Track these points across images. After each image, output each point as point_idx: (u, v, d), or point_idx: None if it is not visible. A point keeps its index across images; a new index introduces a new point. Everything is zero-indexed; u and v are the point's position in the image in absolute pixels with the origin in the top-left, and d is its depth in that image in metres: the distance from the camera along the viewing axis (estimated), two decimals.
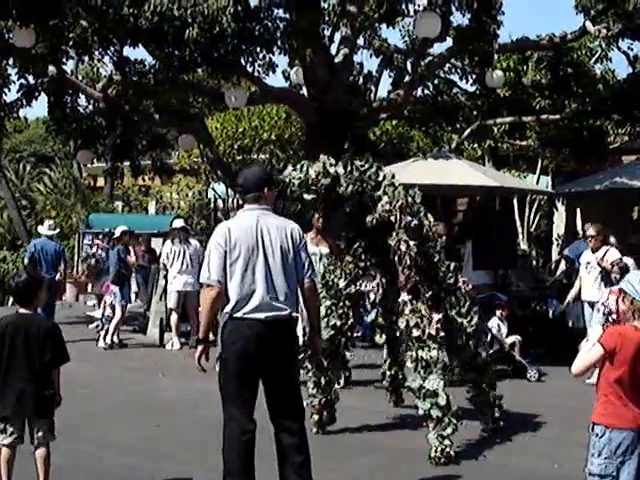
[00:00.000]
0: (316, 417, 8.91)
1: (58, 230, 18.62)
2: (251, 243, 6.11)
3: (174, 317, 15.51)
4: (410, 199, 8.51)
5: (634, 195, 18.80)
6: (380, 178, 8.63)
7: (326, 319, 9.04)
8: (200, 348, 6.19)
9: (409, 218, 8.38)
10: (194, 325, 15.66)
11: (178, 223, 16.18)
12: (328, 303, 9.11)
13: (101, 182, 34.51)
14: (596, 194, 18.32)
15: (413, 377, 8.24)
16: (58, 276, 16.21)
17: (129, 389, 11.57)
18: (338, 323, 9.12)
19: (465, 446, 8.32)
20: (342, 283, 9.13)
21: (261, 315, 6.03)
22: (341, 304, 9.15)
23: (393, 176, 8.68)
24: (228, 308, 6.08)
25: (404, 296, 8.37)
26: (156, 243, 19.66)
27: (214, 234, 6.25)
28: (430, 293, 8.36)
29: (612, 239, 15.65)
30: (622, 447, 5.00)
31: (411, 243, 8.32)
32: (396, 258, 8.41)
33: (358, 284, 9.19)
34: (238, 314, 6.04)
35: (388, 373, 10.31)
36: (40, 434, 6.21)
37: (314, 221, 11.75)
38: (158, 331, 16.07)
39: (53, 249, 16.48)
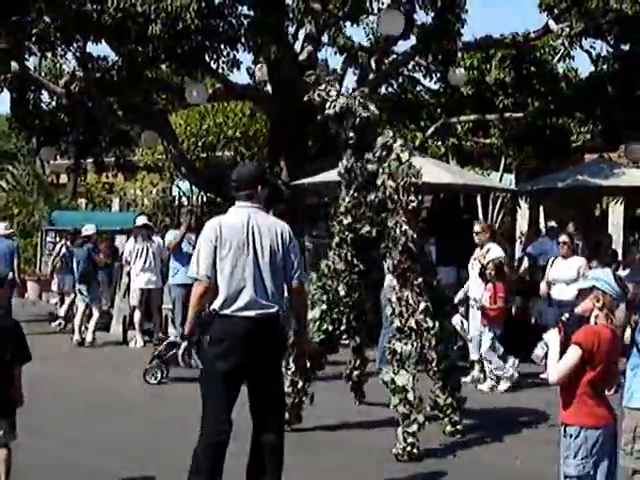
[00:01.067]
0: (286, 416, 8.87)
1: (12, 231, 18.57)
2: (241, 240, 6.05)
3: (137, 315, 15.43)
4: (414, 179, 8.48)
5: (596, 193, 18.93)
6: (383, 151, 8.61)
7: (318, 323, 9.01)
8: (184, 344, 6.12)
9: (411, 198, 8.39)
10: (157, 323, 15.61)
11: (141, 220, 16.08)
12: (324, 307, 9.05)
13: (64, 179, 34.16)
14: (559, 192, 18.41)
15: (387, 369, 8.27)
16: (11, 274, 16.05)
17: (93, 387, 11.46)
18: (330, 328, 9.08)
19: (429, 443, 8.33)
20: (342, 291, 9.10)
21: (251, 313, 5.98)
22: (336, 310, 9.12)
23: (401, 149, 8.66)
24: (216, 305, 6.01)
25: (392, 281, 8.37)
26: (120, 240, 19.55)
27: (205, 229, 6.18)
28: (418, 281, 8.39)
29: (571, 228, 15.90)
30: (597, 445, 5.02)
31: (406, 227, 8.34)
32: (390, 243, 8.43)
33: (357, 292, 9.19)
34: (226, 311, 5.97)
35: (355, 373, 10.28)
36: (0, 433, 6.14)
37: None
38: (121, 329, 15.99)
39: (6, 247, 16.43)
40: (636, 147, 18.47)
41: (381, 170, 8.57)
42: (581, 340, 5.05)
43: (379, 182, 8.57)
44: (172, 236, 14.74)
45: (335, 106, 8.82)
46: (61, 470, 7.53)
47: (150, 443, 8.48)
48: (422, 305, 8.34)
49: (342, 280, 9.05)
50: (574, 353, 5.04)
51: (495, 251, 12.15)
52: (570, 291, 11.21)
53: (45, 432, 8.75)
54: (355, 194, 8.86)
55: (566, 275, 12.33)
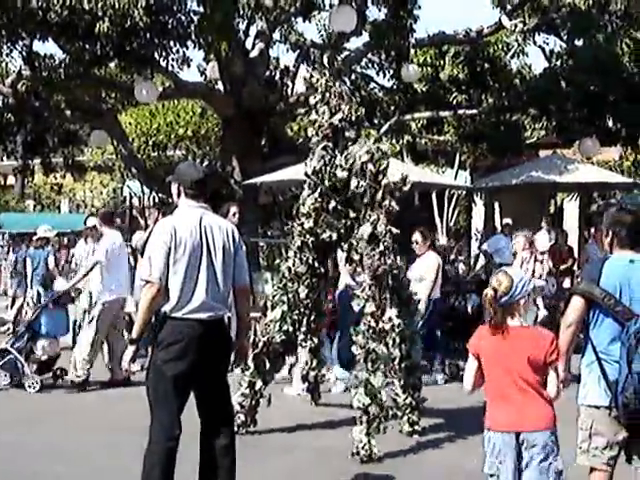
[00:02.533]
0: (242, 418, 8.70)
1: None
2: (196, 242, 5.92)
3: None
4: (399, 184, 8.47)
5: (550, 188, 18.92)
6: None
7: (279, 324, 8.92)
8: (132, 349, 5.94)
9: (393, 202, 8.37)
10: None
11: (91, 222, 15.72)
12: (284, 308, 8.98)
13: (11, 180, 33.76)
14: (513, 188, 18.39)
15: (361, 367, 8.14)
16: None
17: (43, 390, 11.19)
18: (290, 329, 9.01)
19: (388, 443, 8.16)
20: (302, 292, 8.96)
21: (203, 315, 5.86)
22: (297, 311, 9.03)
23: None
24: (167, 307, 5.84)
25: (366, 278, 8.26)
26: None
27: (158, 231, 6.00)
28: (391, 282, 8.31)
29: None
30: (497, 448, 4.99)
31: (390, 227, 8.32)
32: (364, 243, 8.32)
33: (316, 293, 9.11)
34: (178, 314, 5.83)
35: (312, 374, 10.11)
36: None
37: (230, 216, 11.31)
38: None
39: None
40: (590, 143, 18.48)
41: (358, 170, 8.45)
42: (469, 344, 5.18)
43: (354, 183, 8.46)
44: (140, 237, 14.40)
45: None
46: (8, 475, 7.34)
47: (101, 448, 8.23)
48: (394, 305, 8.27)
49: (303, 282, 8.97)
50: (469, 359, 5.19)
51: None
52: (420, 288, 11.05)
53: None
54: (319, 198, 8.72)
55: (416, 273, 12.05)
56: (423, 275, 11.64)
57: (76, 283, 12.11)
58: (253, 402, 8.87)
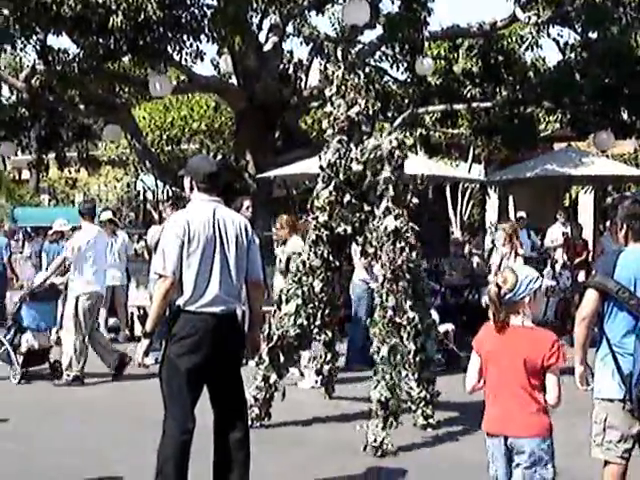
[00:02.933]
0: (257, 411, 8.71)
1: None
2: (209, 235, 5.92)
3: (102, 312, 15.12)
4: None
5: (565, 182, 18.85)
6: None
7: (294, 317, 8.92)
8: (146, 342, 5.96)
9: (414, 199, 8.50)
10: (123, 320, 15.35)
11: (106, 215, 15.77)
12: (299, 302, 8.96)
13: (26, 175, 33.82)
14: (527, 181, 18.33)
15: (382, 361, 8.10)
16: None
17: (56, 386, 11.23)
18: (305, 323, 8.99)
19: (401, 438, 8.15)
20: (317, 286, 8.95)
21: (216, 309, 5.86)
22: (311, 305, 9.01)
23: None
24: (180, 301, 5.86)
25: (386, 273, 8.26)
26: None
27: (172, 225, 6.01)
28: (407, 275, 8.32)
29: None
30: (490, 451, 4.95)
31: (412, 224, 8.39)
32: (384, 236, 8.32)
33: (333, 288, 9.14)
34: (191, 307, 5.84)
35: (326, 367, 10.11)
36: None
37: (243, 210, 11.29)
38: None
39: None
40: (605, 136, 18.40)
41: (386, 157, 8.44)
42: (474, 341, 5.06)
43: (369, 176, 8.47)
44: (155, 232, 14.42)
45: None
46: (27, 470, 7.36)
47: (117, 442, 8.25)
48: (409, 298, 8.30)
49: (318, 276, 8.96)
50: (472, 356, 5.08)
51: (293, 245, 11.53)
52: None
53: (10, 433, 8.62)
54: (333, 191, 8.72)
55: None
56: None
57: (47, 279, 12.02)
58: (267, 396, 8.88)
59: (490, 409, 4.92)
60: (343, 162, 8.69)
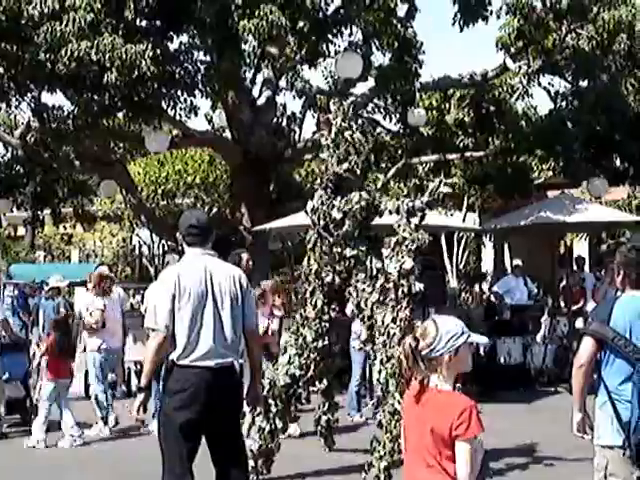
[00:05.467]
0: (252, 463, 8.63)
1: None
2: (201, 289, 5.92)
3: None
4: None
5: (559, 228, 18.90)
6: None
7: (287, 367, 8.90)
8: (141, 397, 5.96)
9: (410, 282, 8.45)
10: (120, 375, 15.26)
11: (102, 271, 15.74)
12: (293, 352, 8.96)
13: (22, 231, 33.84)
14: (522, 229, 18.37)
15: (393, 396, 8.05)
16: None
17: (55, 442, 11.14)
18: (297, 373, 8.99)
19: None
20: (309, 336, 8.94)
21: (210, 362, 5.85)
22: (305, 355, 8.99)
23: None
24: (174, 355, 5.85)
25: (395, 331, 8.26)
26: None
27: (163, 279, 6.07)
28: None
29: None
30: None
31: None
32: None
33: (326, 338, 9.06)
34: (185, 361, 5.83)
35: (324, 418, 10.06)
36: None
37: (243, 263, 11.35)
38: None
39: None
40: (598, 183, 18.50)
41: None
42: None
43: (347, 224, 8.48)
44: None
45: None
46: None
47: None
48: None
49: (311, 327, 8.93)
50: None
51: None
52: None
53: None
54: (316, 236, 8.78)
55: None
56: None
57: None
58: (264, 447, 8.80)
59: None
60: (325, 208, 8.75)
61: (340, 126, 8.93)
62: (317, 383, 9.55)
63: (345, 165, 8.82)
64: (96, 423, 11.72)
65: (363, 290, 8.53)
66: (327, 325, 9.08)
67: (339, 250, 8.71)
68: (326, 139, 9.03)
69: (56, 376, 10.93)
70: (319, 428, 10.23)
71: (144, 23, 15.26)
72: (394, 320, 8.29)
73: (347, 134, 8.89)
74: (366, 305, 8.52)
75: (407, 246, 8.41)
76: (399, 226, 8.48)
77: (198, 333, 5.86)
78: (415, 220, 8.50)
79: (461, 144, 20.74)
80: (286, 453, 9.01)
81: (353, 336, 12.10)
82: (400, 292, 8.33)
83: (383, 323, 8.34)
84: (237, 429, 6.19)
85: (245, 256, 11.31)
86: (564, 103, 19.52)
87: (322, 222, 8.76)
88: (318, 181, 8.96)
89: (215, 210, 24.09)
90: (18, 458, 10.31)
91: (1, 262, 28.43)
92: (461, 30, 17.20)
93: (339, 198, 8.74)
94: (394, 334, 8.24)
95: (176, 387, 5.84)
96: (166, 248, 25.88)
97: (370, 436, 8.30)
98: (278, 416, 8.96)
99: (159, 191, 25.84)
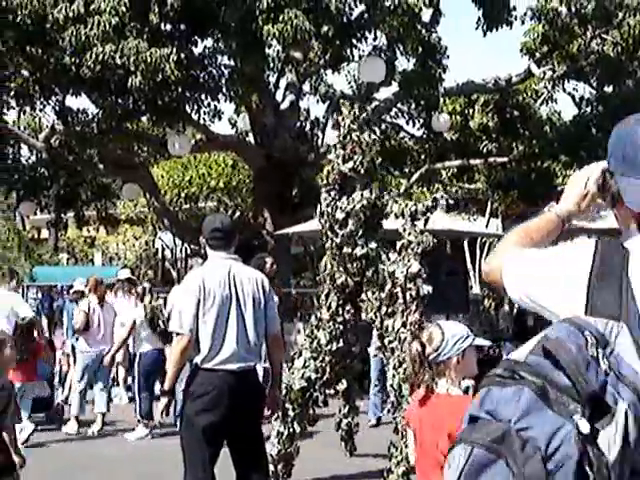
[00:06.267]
0: (272, 467, 8.61)
1: None
2: (225, 293, 5.91)
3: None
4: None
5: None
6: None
7: (302, 370, 8.85)
8: (165, 400, 5.96)
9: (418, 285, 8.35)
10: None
11: (124, 274, 15.78)
12: (308, 355, 8.91)
13: (45, 234, 34.02)
14: None
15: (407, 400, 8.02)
16: None
17: (77, 445, 11.16)
18: (313, 376, 8.90)
19: None
20: (324, 339, 8.92)
21: (233, 366, 5.83)
22: (320, 358, 8.94)
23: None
24: (198, 359, 5.84)
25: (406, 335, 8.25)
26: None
27: (187, 282, 6.08)
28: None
29: None
30: None
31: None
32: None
33: (340, 340, 9.01)
34: (208, 365, 5.81)
35: (345, 421, 10.03)
36: None
37: (267, 267, 11.45)
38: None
39: None
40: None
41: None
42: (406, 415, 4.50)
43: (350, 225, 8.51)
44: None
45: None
46: None
47: None
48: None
49: (325, 329, 8.90)
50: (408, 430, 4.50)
51: None
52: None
53: None
54: (327, 239, 8.80)
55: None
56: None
57: None
58: (282, 452, 8.78)
59: None
60: (329, 210, 8.74)
61: (348, 127, 8.91)
62: (335, 385, 9.52)
63: (350, 164, 8.80)
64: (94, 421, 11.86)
65: (373, 299, 8.52)
66: (341, 327, 9.01)
67: (349, 251, 8.68)
68: (337, 137, 9.05)
69: (21, 380, 10.92)
70: (340, 432, 10.21)
71: (169, 27, 15.33)
72: (404, 325, 8.28)
73: (354, 135, 8.88)
74: (376, 315, 8.53)
75: (413, 249, 8.39)
76: (404, 230, 8.48)
77: (222, 337, 5.86)
78: (420, 224, 8.48)
79: (485, 149, 20.70)
80: (307, 457, 8.98)
81: (372, 341, 12.09)
82: (408, 296, 8.31)
83: (394, 328, 8.34)
84: (259, 433, 6.16)
85: (269, 260, 11.36)
86: (589, 109, 19.46)
87: (327, 224, 8.76)
88: (324, 182, 8.96)
89: (238, 214, 24.11)
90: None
91: (25, 264, 28.55)
92: (484, 35, 17.17)
93: (343, 198, 8.73)
94: (405, 339, 8.23)
95: (199, 391, 5.83)
96: (189, 252, 25.91)
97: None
98: (296, 420, 8.91)
99: (182, 195, 25.92)
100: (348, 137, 8.90)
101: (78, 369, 12.24)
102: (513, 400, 1.82)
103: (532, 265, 2.35)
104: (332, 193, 8.78)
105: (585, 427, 1.74)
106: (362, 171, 8.81)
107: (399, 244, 8.50)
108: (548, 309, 2.23)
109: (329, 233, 8.75)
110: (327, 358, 8.97)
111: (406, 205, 8.62)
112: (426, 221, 8.58)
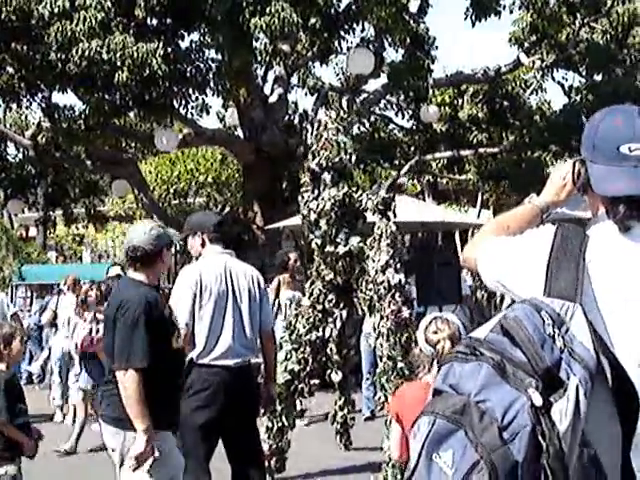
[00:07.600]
0: (267, 463, 8.54)
1: None
2: (221, 288, 5.89)
3: None
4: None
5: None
6: None
7: (285, 363, 8.77)
8: None
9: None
10: None
11: (114, 271, 15.64)
12: (289, 347, 8.83)
13: (33, 232, 33.83)
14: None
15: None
16: None
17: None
18: (296, 368, 8.84)
19: None
20: (302, 329, 8.84)
21: (229, 362, 5.81)
22: (301, 349, 8.86)
23: None
24: (193, 354, 5.81)
25: (390, 326, 8.18)
26: None
27: (184, 277, 6.00)
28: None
29: None
30: None
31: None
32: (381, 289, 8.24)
33: (320, 330, 8.92)
34: (204, 360, 5.80)
35: (340, 414, 9.95)
36: None
37: (291, 263, 11.46)
38: None
39: None
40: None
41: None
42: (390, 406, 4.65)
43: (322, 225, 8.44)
44: None
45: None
46: None
47: None
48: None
49: (304, 316, 8.82)
50: (393, 425, 4.67)
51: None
52: None
53: None
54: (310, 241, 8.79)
55: None
56: None
57: None
58: (274, 446, 8.70)
59: None
60: (305, 212, 8.70)
61: (325, 125, 8.84)
62: (333, 375, 9.45)
63: (316, 160, 8.73)
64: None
65: (362, 296, 8.49)
66: (320, 315, 8.90)
67: (332, 249, 8.62)
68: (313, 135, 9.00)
69: None
70: (335, 425, 10.13)
71: (155, 22, 15.21)
72: (382, 317, 8.24)
73: (326, 133, 8.80)
74: (363, 310, 8.51)
75: (383, 241, 8.34)
76: (375, 223, 8.45)
77: (218, 332, 5.84)
78: (390, 213, 8.42)
79: (475, 140, 20.63)
80: (301, 452, 8.91)
81: (368, 335, 12.02)
82: (382, 288, 8.26)
83: (375, 323, 8.32)
84: (254, 428, 6.16)
85: (293, 255, 11.40)
86: (578, 97, 19.38)
87: (306, 226, 8.73)
88: (302, 182, 8.95)
89: (227, 209, 24.01)
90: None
91: (13, 263, 28.36)
92: (473, 25, 17.08)
93: (315, 200, 8.67)
94: (385, 331, 8.21)
95: (196, 387, 5.80)
96: (178, 248, 25.82)
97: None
98: (283, 414, 8.85)
99: (171, 190, 25.80)
100: (319, 136, 8.84)
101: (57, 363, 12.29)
102: (473, 375, 1.95)
103: (501, 252, 2.52)
104: (306, 195, 8.73)
105: (538, 400, 1.87)
106: (331, 167, 8.74)
107: (369, 239, 8.45)
108: (514, 292, 2.38)
109: (310, 235, 8.72)
110: (308, 349, 8.91)
111: (367, 197, 8.56)
112: (392, 209, 8.50)
